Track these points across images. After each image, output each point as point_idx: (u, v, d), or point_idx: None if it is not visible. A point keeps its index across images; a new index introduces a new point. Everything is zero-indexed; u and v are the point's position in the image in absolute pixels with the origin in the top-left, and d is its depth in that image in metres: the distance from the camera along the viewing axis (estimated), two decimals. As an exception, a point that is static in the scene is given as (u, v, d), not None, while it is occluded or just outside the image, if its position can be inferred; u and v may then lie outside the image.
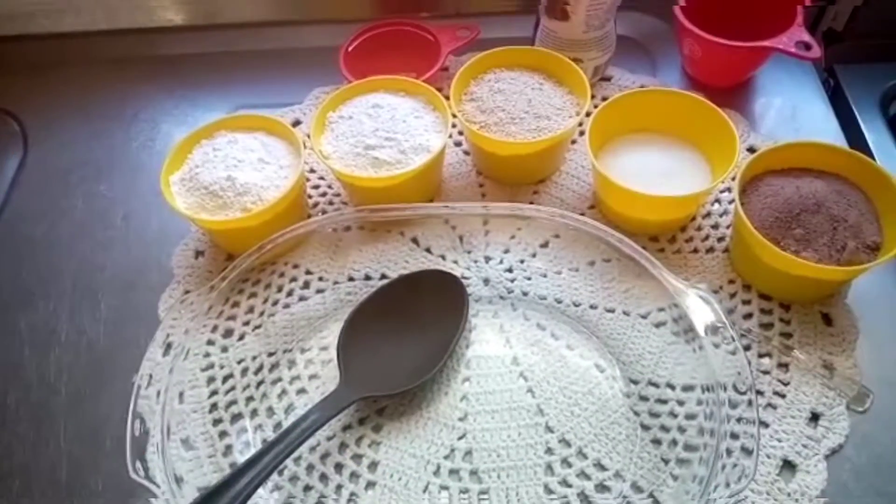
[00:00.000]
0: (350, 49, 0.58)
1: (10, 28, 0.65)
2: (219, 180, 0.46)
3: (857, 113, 0.57)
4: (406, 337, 0.45)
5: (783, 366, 0.43)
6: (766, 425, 0.41)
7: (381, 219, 0.49)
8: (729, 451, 0.38)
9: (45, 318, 0.49)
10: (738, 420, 0.39)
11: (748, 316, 0.45)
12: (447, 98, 0.50)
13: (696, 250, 0.49)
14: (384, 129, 0.48)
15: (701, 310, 0.41)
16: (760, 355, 0.43)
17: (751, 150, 0.53)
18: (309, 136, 0.51)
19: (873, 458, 0.40)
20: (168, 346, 0.43)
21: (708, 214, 0.50)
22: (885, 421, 0.41)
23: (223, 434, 0.43)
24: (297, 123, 0.58)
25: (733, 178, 0.47)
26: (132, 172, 0.57)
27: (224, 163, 0.47)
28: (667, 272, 0.42)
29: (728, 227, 0.49)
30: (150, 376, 0.40)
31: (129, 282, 0.50)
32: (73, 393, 0.46)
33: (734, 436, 0.38)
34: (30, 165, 0.58)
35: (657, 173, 0.48)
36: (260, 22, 0.67)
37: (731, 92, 0.58)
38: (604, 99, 0.55)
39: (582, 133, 0.55)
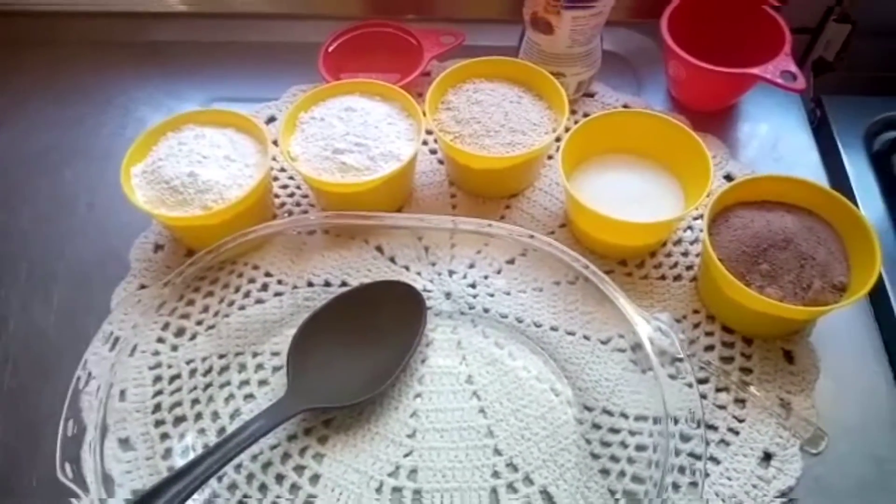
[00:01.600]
0: (330, 49, 0.57)
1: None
2: (180, 175, 0.45)
3: (840, 146, 0.56)
4: (360, 348, 0.44)
5: (740, 401, 0.42)
6: (718, 462, 0.40)
7: (346, 225, 0.48)
8: (676, 486, 0.37)
9: (-5, 306, 0.48)
10: (690, 455, 0.39)
11: (710, 348, 0.44)
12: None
13: (663, 277, 0.48)
14: (355, 133, 0.47)
15: (659, 341, 0.40)
16: (718, 389, 0.43)
17: (728, 177, 0.52)
18: (280, 136, 0.51)
19: (823, 503, 0.39)
20: (115, 341, 0.42)
21: (679, 241, 0.49)
22: (838, 465, 0.40)
23: (164, 436, 0.42)
24: (271, 120, 0.57)
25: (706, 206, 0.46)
26: (100, 160, 0.55)
27: (188, 157, 0.46)
28: (626, 301, 0.41)
29: (697, 255, 0.48)
30: (90, 373, 0.39)
31: (85, 273, 0.49)
32: (16, 385, 0.45)
33: (681, 470, 0.37)
34: (-3, 148, 0.57)
35: (630, 197, 0.48)
36: (245, 13, 0.66)
37: (715, 117, 0.57)
38: (585, 115, 0.54)
39: (559, 149, 0.54)
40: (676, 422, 0.37)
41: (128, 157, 0.47)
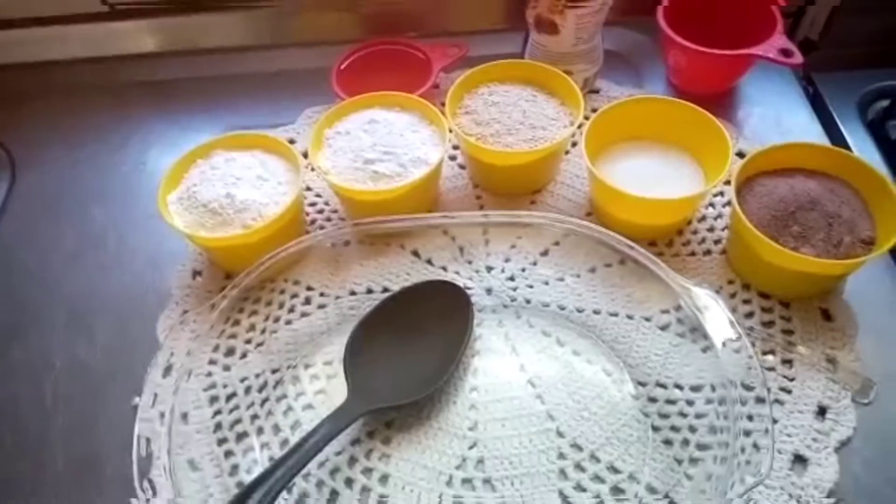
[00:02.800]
0: (342, 68, 0.58)
1: (-4, 57, 0.65)
2: (218, 197, 0.46)
3: (836, 118, 0.59)
4: (411, 348, 0.44)
5: (787, 362, 0.43)
6: (776, 421, 0.41)
7: (380, 231, 0.49)
8: (742, 449, 0.38)
9: (38, 348, 0.48)
10: (749, 417, 0.39)
11: (749, 315, 0.46)
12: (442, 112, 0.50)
13: (693, 253, 0.49)
14: (382, 143, 0.49)
15: (707, 309, 0.41)
16: (764, 352, 0.44)
17: (740, 154, 0.54)
18: (305, 155, 0.52)
19: (882, 449, 0.40)
20: (169, 368, 0.42)
21: (703, 218, 0.51)
22: (891, 412, 0.41)
23: (229, 454, 0.42)
24: (291, 142, 0.58)
25: (725, 183, 0.48)
26: (124, 196, 0.56)
27: (222, 180, 0.47)
28: (672, 273, 0.42)
29: (723, 229, 0.50)
30: (155, 397, 0.39)
31: (124, 306, 0.50)
32: (70, 422, 0.45)
33: (746, 433, 0.38)
34: (18, 193, 0.57)
35: (652, 179, 0.49)
36: (246, 46, 0.67)
37: (716, 101, 0.59)
38: (594, 110, 0.56)
39: (574, 144, 0.55)
40: (736, 386, 0.38)
41: (162, 186, 0.47)
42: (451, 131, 0.50)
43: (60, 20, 0.65)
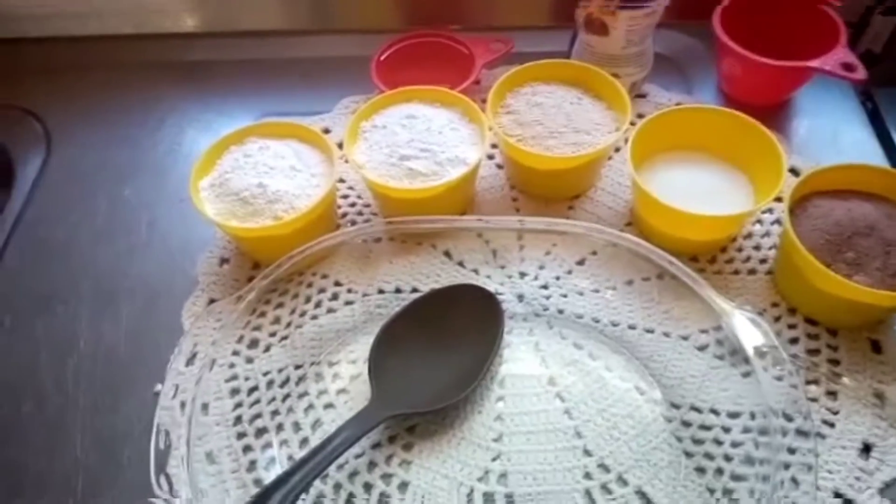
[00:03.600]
0: (382, 59, 0.57)
1: (35, 30, 0.65)
2: (250, 187, 0.45)
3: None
4: (439, 352, 0.43)
5: (831, 393, 0.41)
6: (816, 455, 0.39)
7: (414, 230, 0.48)
8: (795, 481, 0.36)
9: (63, 323, 0.48)
10: (790, 450, 0.38)
11: (794, 341, 0.44)
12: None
13: (736, 272, 0.47)
14: (420, 139, 0.47)
15: (749, 332, 0.39)
16: (808, 381, 0.42)
17: (792, 171, 0.51)
18: (340, 146, 0.50)
19: (929, 494, 0.38)
20: (192, 357, 0.41)
21: (749, 235, 0.49)
22: (940, 454, 0.39)
23: (247, 448, 0.41)
24: (325, 132, 0.57)
25: (776, 199, 0.46)
26: (157, 177, 0.56)
27: (255, 169, 0.46)
28: (715, 294, 0.40)
29: (770, 248, 0.48)
30: (177, 387, 0.39)
31: (151, 289, 0.49)
32: (90, 402, 0.44)
33: (785, 466, 0.36)
34: (52, 167, 0.57)
35: (698, 192, 0.47)
36: (287, 30, 0.66)
37: (768, 112, 0.56)
38: (639, 116, 0.54)
39: (617, 150, 0.53)
40: (791, 418, 0.36)
41: (194, 172, 0.46)
42: (490, 130, 0.48)
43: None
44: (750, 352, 0.38)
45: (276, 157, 0.47)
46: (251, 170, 0.46)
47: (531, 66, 0.51)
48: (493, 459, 0.40)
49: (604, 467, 0.40)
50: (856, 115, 0.57)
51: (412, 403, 0.41)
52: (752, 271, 0.47)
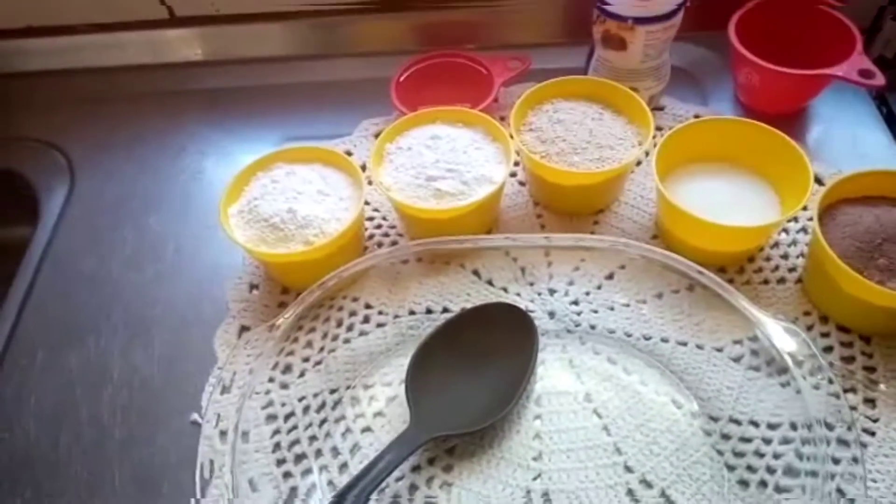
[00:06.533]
0: (401, 80, 0.57)
1: (57, 62, 0.66)
2: (279, 212, 0.45)
3: (913, 141, 0.56)
4: (475, 372, 0.43)
5: (870, 401, 0.41)
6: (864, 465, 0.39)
7: (442, 251, 0.48)
8: (841, 492, 0.36)
9: (96, 355, 0.48)
10: (834, 460, 0.38)
11: (828, 349, 0.44)
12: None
13: (766, 281, 0.47)
14: (445, 160, 0.48)
15: (785, 341, 0.39)
16: (845, 390, 0.42)
17: (816, 179, 0.51)
18: (363, 168, 0.51)
19: (975, 500, 0.38)
20: (229, 386, 0.41)
21: (776, 244, 0.49)
22: (983, 459, 0.39)
23: (287, 475, 0.41)
24: (348, 154, 0.57)
25: (802, 208, 0.46)
26: (182, 205, 0.56)
27: (284, 195, 0.47)
28: (749, 304, 0.40)
29: (798, 257, 0.48)
30: (218, 415, 0.39)
31: (181, 317, 0.49)
32: (127, 434, 0.44)
33: (831, 476, 0.36)
34: (77, 199, 0.57)
35: (724, 203, 0.47)
36: (304, 55, 0.67)
37: (786, 120, 0.57)
38: (658, 128, 0.54)
39: (639, 163, 0.54)
40: (831, 427, 0.36)
41: (224, 199, 0.47)
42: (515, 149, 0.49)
43: (120, 26, 0.65)
44: (788, 361, 0.39)
45: (304, 181, 0.48)
46: (280, 195, 0.47)
47: (551, 83, 0.52)
48: (534, 479, 0.40)
49: (646, 483, 0.40)
50: (872, 121, 0.57)
51: (451, 425, 0.41)
52: (781, 280, 0.47)
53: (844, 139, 0.56)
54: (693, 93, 0.60)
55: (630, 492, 0.39)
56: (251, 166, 0.49)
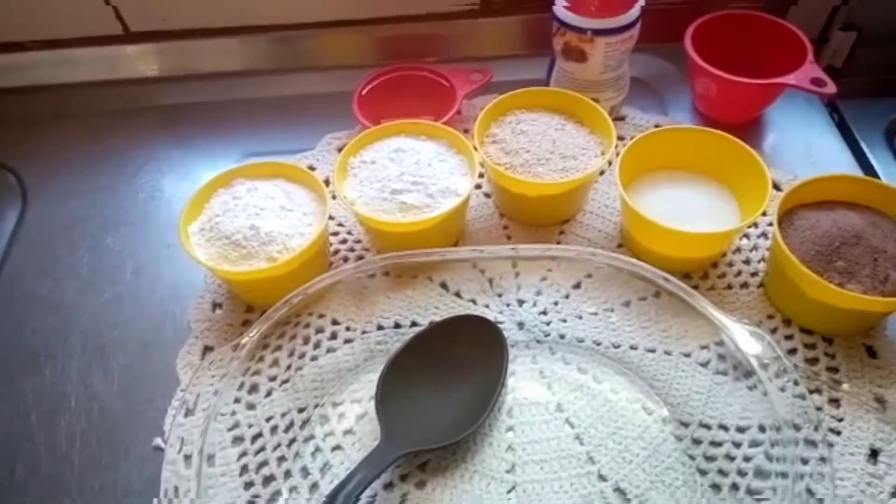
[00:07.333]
0: (363, 93, 0.57)
1: (6, 80, 0.63)
2: (241, 229, 0.45)
3: (864, 146, 0.58)
4: (446, 386, 0.43)
5: (834, 401, 0.42)
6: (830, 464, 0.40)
7: (409, 264, 0.47)
8: (811, 492, 0.37)
9: (52, 381, 0.46)
10: (802, 461, 0.38)
11: (792, 351, 0.44)
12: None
13: (729, 286, 0.48)
14: (409, 172, 0.47)
15: (751, 345, 0.40)
16: (810, 391, 0.42)
17: (773, 185, 0.52)
18: (326, 182, 0.50)
19: (937, 494, 0.39)
20: (192, 409, 0.40)
21: (738, 250, 0.50)
22: (944, 454, 0.40)
23: (255, 498, 0.40)
24: (311, 169, 0.56)
25: (762, 214, 0.47)
26: (141, 224, 0.54)
27: (245, 211, 0.46)
28: (714, 309, 0.41)
29: (760, 261, 0.49)
30: (182, 439, 0.37)
31: (142, 339, 0.48)
32: (86, 461, 0.43)
33: (800, 477, 0.37)
34: (29, 220, 0.55)
35: (686, 210, 0.48)
36: (264, 70, 0.66)
37: (743, 129, 0.58)
38: (620, 138, 0.55)
39: (602, 173, 0.54)
40: (799, 429, 0.36)
41: (183, 217, 0.46)
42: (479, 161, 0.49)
43: (73, 43, 0.63)
44: (754, 364, 0.39)
45: (266, 197, 0.47)
46: (241, 212, 0.46)
47: (513, 94, 0.52)
48: (509, 492, 0.40)
49: (620, 491, 0.40)
50: (825, 128, 0.59)
51: (423, 440, 0.40)
52: (744, 285, 0.48)
53: (799, 146, 0.57)
54: (653, 103, 0.61)
55: (605, 500, 0.39)
56: (212, 183, 0.48)
